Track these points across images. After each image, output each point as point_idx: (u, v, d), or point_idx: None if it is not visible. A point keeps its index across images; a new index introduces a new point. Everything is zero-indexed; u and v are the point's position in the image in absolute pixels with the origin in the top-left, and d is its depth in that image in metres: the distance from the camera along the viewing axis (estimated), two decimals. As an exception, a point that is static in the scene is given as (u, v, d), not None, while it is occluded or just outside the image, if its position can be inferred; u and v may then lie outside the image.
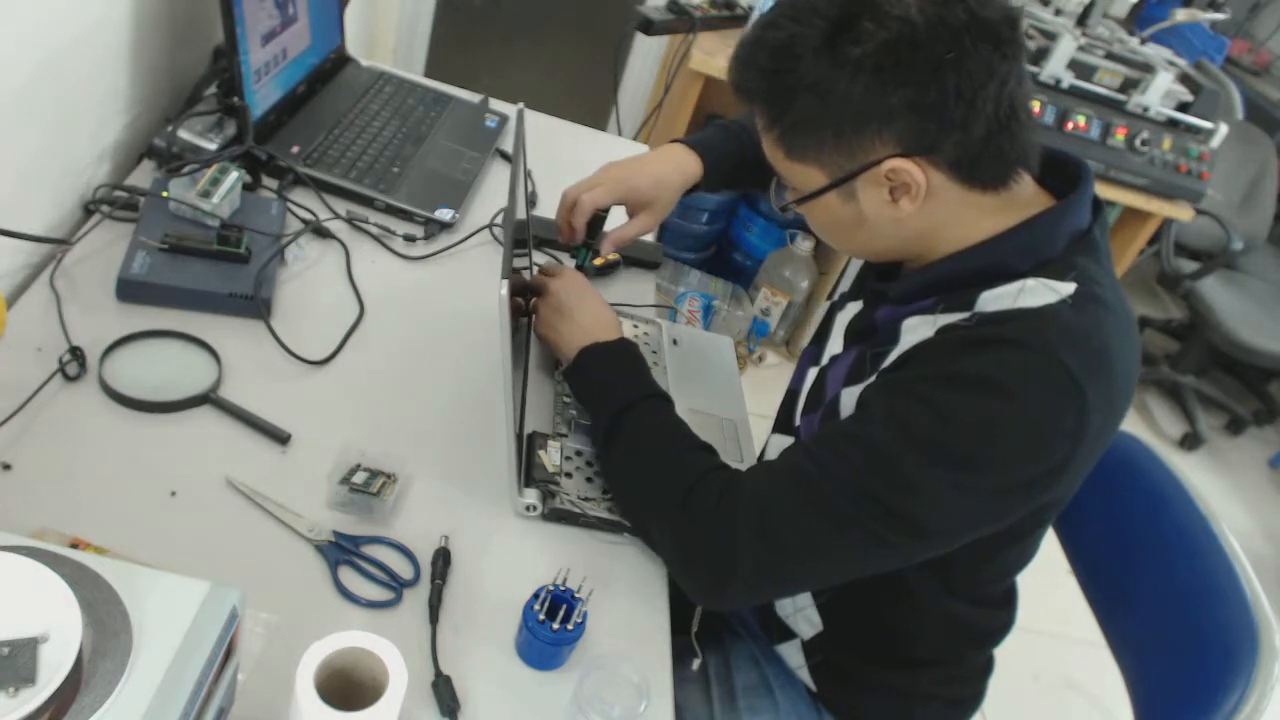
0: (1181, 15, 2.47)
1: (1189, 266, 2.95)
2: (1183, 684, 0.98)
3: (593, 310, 1.04)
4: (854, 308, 0.96)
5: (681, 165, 1.14)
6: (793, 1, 0.78)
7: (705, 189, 1.17)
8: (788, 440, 1.00)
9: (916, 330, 0.82)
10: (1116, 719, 1.03)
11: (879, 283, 0.92)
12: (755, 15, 2.08)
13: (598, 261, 1.30)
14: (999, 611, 1.01)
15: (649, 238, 1.30)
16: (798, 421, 0.99)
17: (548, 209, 1.40)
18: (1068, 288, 0.77)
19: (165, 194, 1.07)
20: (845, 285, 1.07)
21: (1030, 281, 0.78)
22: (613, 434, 0.93)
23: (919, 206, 0.79)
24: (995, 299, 0.79)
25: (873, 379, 0.83)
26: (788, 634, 1.02)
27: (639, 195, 1.12)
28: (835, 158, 0.79)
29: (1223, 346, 2.92)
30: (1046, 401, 0.73)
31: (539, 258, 1.30)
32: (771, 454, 1.02)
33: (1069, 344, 0.73)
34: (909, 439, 0.75)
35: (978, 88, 0.73)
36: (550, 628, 0.79)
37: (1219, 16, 2.66)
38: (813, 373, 0.99)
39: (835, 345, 0.96)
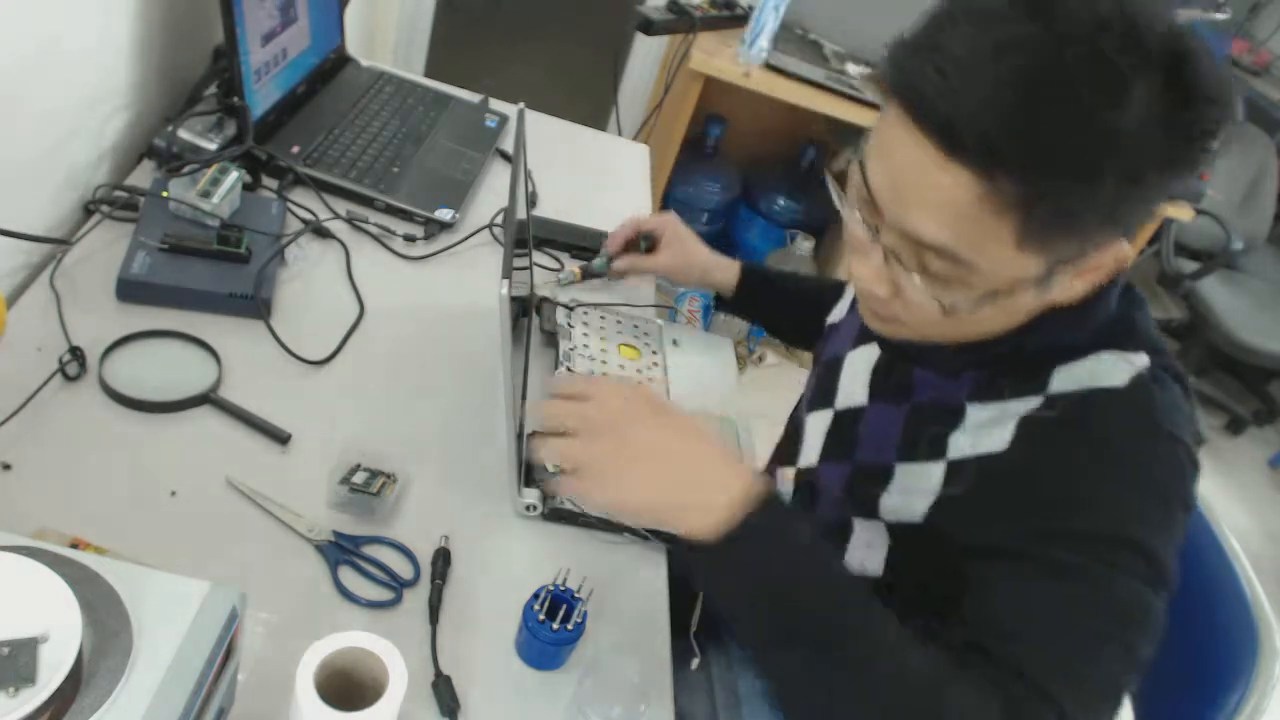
0: (1181, 15, 2.46)
1: (1189, 266, 2.95)
2: (1183, 684, 0.98)
3: (694, 441, 0.69)
4: (868, 354, 0.91)
5: (724, 264, 1.21)
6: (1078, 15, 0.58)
7: (730, 300, 1.23)
8: (791, 471, 0.99)
9: (985, 420, 0.76)
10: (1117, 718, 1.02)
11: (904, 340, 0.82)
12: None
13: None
14: None
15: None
16: (811, 462, 0.95)
17: (548, 209, 1.40)
18: (1140, 359, 0.73)
19: (165, 194, 1.07)
20: (835, 316, 1.04)
21: (1105, 355, 0.73)
22: (818, 665, 0.65)
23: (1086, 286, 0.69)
24: (1068, 377, 0.73)
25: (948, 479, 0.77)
26: None
27: (678, 238, 1.19)
28: (1082, 245, 0.64)
29: (1223, 346, 2.92)
30: (1172, 478, 0.71)
31: (539, 258, 1.30)
32: (778, 487, 1.00)
33: (1162, 411, 0.71)
34: (1099, 556, 0.66)
35: None
36: (550, 628, 0.79)
37: (1219, 16, 2.66)
38: (826, 416, 0.95)
39: (855, 394, 0.91)
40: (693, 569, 0.68)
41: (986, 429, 0.76)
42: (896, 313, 0.74)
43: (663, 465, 0.67)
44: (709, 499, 0.65)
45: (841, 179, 0.74)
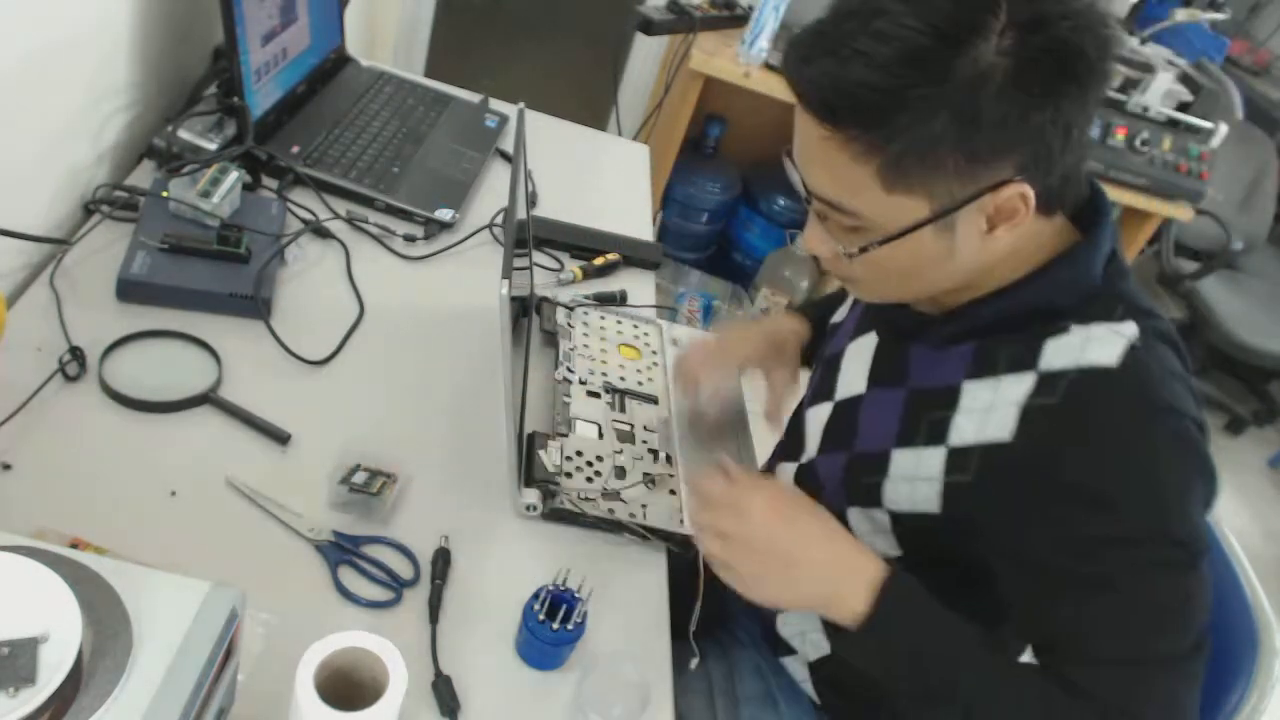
0: (1181, 15, 2.47)
1: (1189, 266, 2.95)
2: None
3: (828, 542, 0.78)
4: (867, 342, 0.93)
5: (794, 326, 1.15)
6: None
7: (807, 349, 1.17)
8: (793, 467, 1.00)
9: (984, 402, 0.78)
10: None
11: (901, 318, 0.87)
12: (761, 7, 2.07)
13: (598, 262, 1.31)
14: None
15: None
16: (812, 455, 0.97)
17: (548, 209, 1.40)
18: (1128, 328, 0.74)
19: (165, 194, 1.07)
20: (838, 316, 1.05)
21: (1095, 329, 0.75)
22: None
23: (1012, 235, 0.73)
24: (1059, 352, 0.75)
25: (952, 465, 0.79)
26: (790, 650, 1.01)
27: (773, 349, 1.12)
28: (950, 186, 0.70)
29: (1223, 346, 2.92)
30: (1182, 453, 0.73)
31: (539, 258, 1.30)
32: (781, 479, 1.01)
33: (1159, 385, 0.72)
34: (1148, 564, 0.71)
35: (1094, 108, 0.70)
36: (550, 628, 0.79)
37: (1219, 16, 2.66)
38: (825, 408, 0.96)
39: (854, 383, 0.93)
40: (841, 644, 0.86)
41: (986, 414, 0.77)
42: (849, 272, 0.80)
43: (804, 570, 0.77)
44: (846, 593, 0.75)
45: None
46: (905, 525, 0.85)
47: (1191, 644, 0.72)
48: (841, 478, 0.91)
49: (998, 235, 0.73)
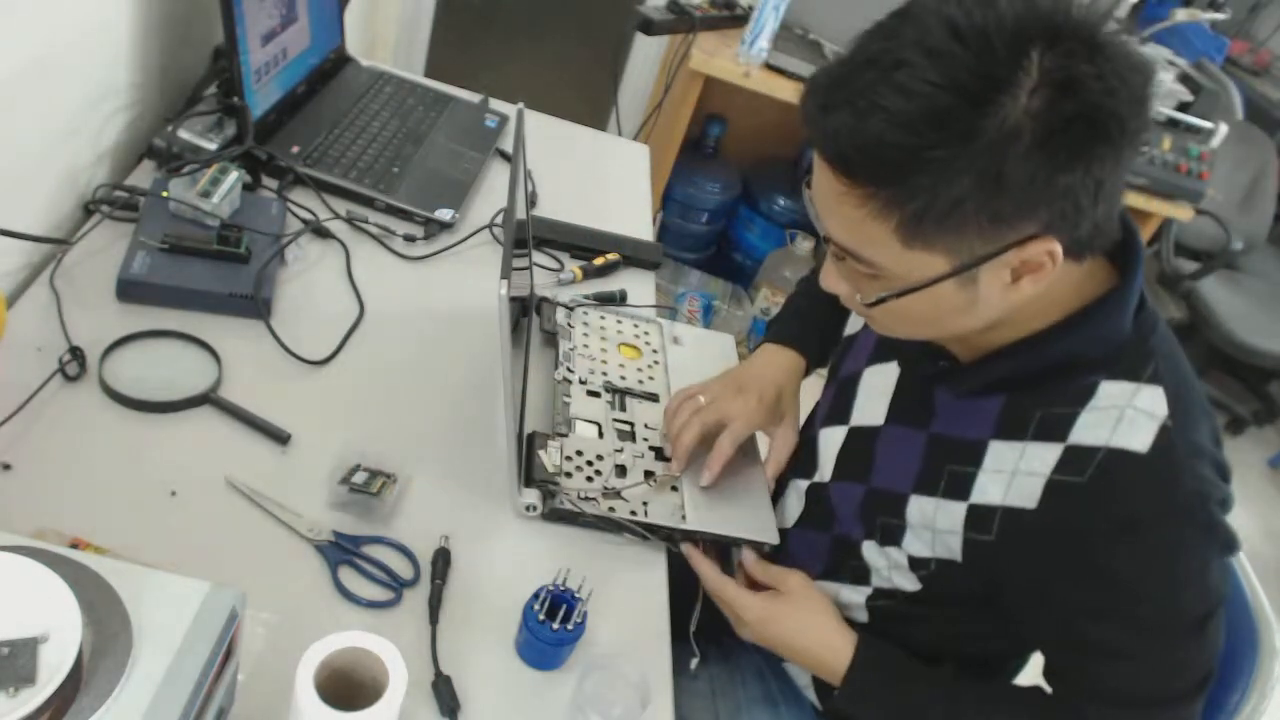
0: (1181, 15, 2.47)
1: (1189, 266, 2.95)
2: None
3: (813, 635, 0.91)
4: (888, 371, 0.92)
5: (787, 369, 1.09)
6: (915, 36, 0.63)
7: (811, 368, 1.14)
8: (805, 484, 0.99)
9: (1009, 464, 0.78)
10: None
11: (925, 357, 0.86)
12: (752, 14, 2.07)
13: (598, 262, 1.31)
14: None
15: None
16: (825, 479, 0.96)
17: (548, 209, 1.40)
18: (1158, 405, 0.73)
19: (165, 194, 1.07)
20: (852, 328, 1.03)
21: (1127, 411, 0.73)
22: None
23: (1038, 287, 0.71)
24: (1090, 428, 0.74)
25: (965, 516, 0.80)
26: None
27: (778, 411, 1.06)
28: (973, 243, 0.68)
29: (1223, 346, 2.92)
30: (1203, 538, 0.74)
31: (539, 258, 1.30)
32: (790, 499, 1.01)
33: (1185, 473, 0.73)
34: (1159, 638, 0.76)
35: (1130, 161, 0.67)
36: (550, 628, 0.79)
37: (1219, 16, 2.66)
38: (840, 432, 0.95)
39: (873, 413, 0.92)
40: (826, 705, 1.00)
41: (1011, 478, 0.78)
42: (867, 313, 0.79)
43: (794, 657, 0.94)
44: (827, 672, 0.90)
45: None
46: (926, 567, 0.86)
47: (1199, 681, 0.78)
48: (858, 512, 0.91)
49: (1022, 287, 0.71)
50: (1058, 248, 0.68)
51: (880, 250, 0.70)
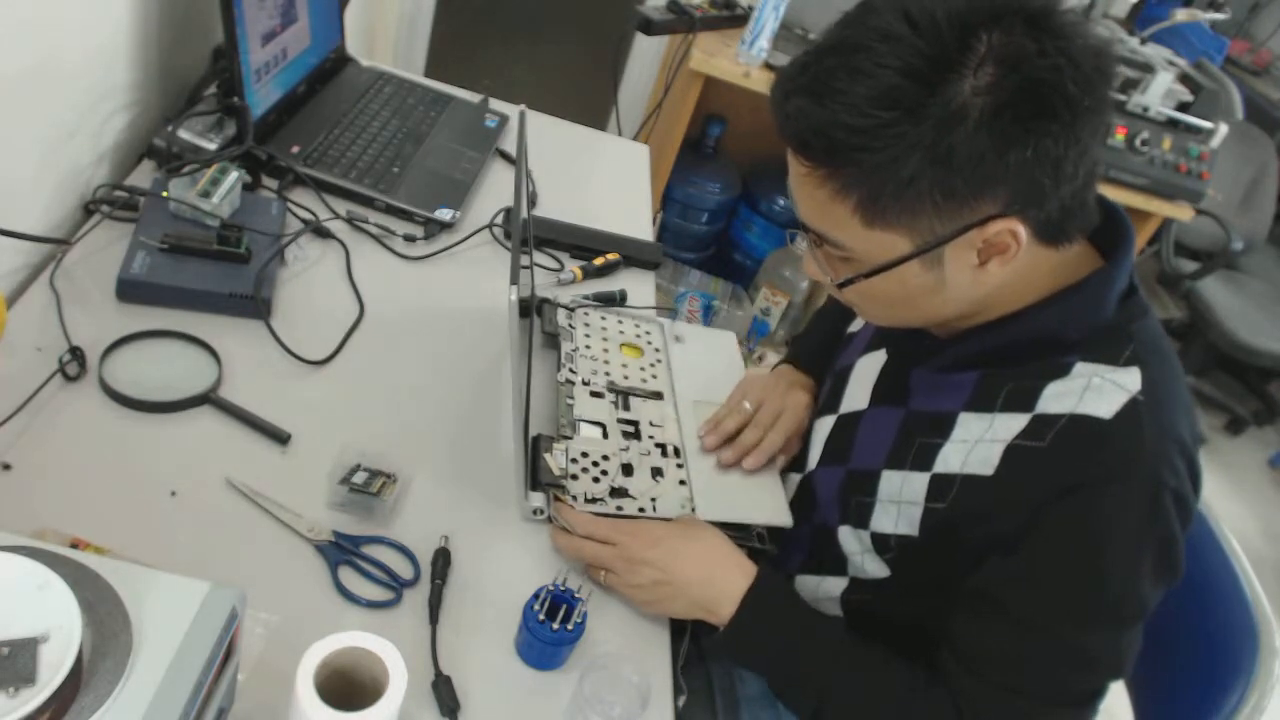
0: (1181, 15, 2.47)
1: (1189, 266, 2.95)
2: (1183, 684, 0.98)
3: (704, 564, 0.87)
4: (876, 359, 0.93)
5: (803, 399, 1.08)
6: (874, 23, 0.66)
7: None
8: (798, 478, 1.00)
9: (975, 434, 0.78)
10: (1117, 719, 1.02)
11: (911, 341, 0.87)
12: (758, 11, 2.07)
13: (598, 262, 1.30)
14: None
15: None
16: (812, 468, 0.98)
17: (548, 209, 1.40)
18: (1132, 380, 0.73)
19: (165, 194, 1.07)
20: (855, 325, 1.05)
21: (1095, 379, 0.74)
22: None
23: (1006, 269, 0.72)
24: (1058, 398, 0.74)
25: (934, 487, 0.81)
26: None
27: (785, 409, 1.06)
28: (932, 223, 0.69)
29: (1223, 346, 2.92)
30: (1147, 520, 0.73)
31: (539, 259, 1.30)
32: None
33: (1145, 447, 0.72)
34: (1068, 616, 0.75)
35: (1088, 141, 0.67)
36: (550, 628, 0.79)
37: (1219, 16, 2.66)
38: (829, 421, 0.97)
39: (858, 399, 0.93)
40: (707, 645, 0.96)
41: (974, 447, 0.78)
42: (846, 298, 0.81)
43: (681, 590, 0.86)
44: (719, 604, 0.85)
45: None
46: (888, 547, 0.86)
47: (1089, 693, 0.76)
48: (837, 495, 0.91)
49: (990, 269, 0.72)
50: (1020, 228, 0.69)
51: (845, 231, 0.72)
